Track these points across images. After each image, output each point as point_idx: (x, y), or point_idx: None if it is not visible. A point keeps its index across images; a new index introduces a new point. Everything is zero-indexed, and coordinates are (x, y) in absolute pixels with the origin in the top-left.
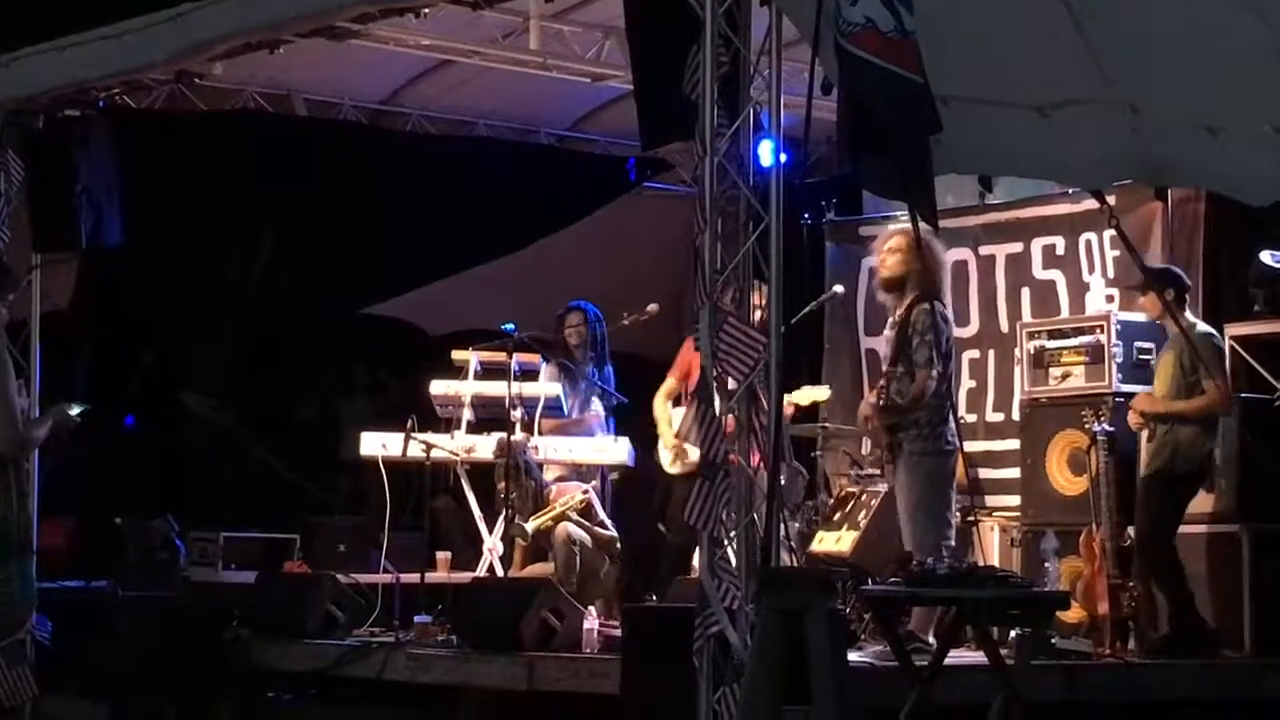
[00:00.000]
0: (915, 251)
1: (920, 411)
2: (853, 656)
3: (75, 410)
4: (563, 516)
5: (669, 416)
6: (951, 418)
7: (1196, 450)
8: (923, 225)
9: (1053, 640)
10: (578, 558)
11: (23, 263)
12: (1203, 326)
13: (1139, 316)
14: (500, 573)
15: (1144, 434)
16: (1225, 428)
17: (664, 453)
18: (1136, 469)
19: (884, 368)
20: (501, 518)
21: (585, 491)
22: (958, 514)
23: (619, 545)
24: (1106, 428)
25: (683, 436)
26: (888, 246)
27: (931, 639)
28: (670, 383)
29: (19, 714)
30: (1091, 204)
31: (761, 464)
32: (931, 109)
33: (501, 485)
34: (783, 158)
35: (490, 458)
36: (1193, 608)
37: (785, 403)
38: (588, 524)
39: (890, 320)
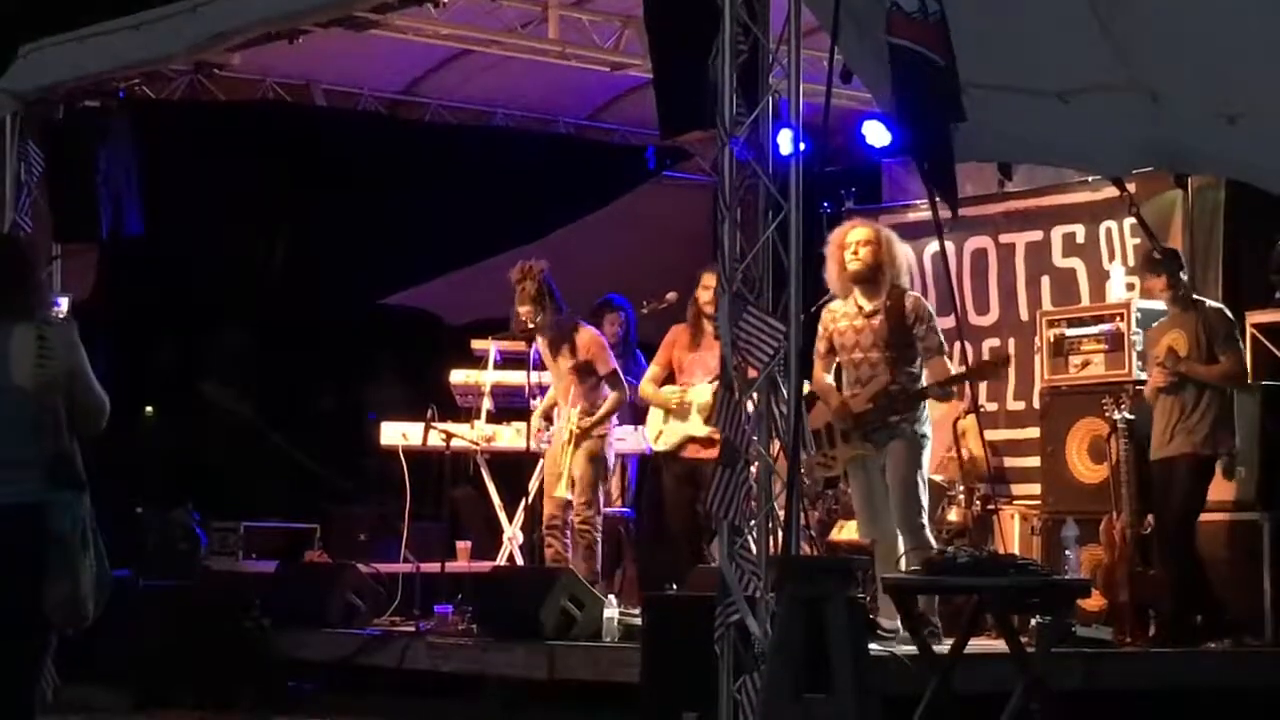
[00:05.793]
0: (883, 241)
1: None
2: (872, 645)
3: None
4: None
5: (662, 395)
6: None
7: (1229, 433)
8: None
9: (1073, 628)
10: (598, 546)
11: (43, 253)
12: (1213, 303)
13: (1159, 305)
14: (520, 562)
15: (1157, 409)
16: (1247, 415)
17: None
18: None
19: (857, 355)
20: (521, 506)
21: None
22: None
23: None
24: (1127, 415)
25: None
26: (857, 239)
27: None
28: (654, 370)
29: (40, 703)
30: (1111, 191)
31: (781, 452)
32: (955, 94)
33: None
34: (802, 146)
35: (508, 446)
36: (1212, 591)
37: None
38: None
39: (860, 309)
